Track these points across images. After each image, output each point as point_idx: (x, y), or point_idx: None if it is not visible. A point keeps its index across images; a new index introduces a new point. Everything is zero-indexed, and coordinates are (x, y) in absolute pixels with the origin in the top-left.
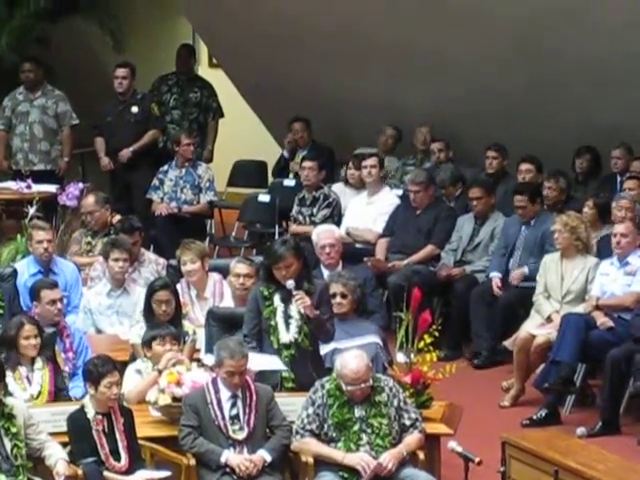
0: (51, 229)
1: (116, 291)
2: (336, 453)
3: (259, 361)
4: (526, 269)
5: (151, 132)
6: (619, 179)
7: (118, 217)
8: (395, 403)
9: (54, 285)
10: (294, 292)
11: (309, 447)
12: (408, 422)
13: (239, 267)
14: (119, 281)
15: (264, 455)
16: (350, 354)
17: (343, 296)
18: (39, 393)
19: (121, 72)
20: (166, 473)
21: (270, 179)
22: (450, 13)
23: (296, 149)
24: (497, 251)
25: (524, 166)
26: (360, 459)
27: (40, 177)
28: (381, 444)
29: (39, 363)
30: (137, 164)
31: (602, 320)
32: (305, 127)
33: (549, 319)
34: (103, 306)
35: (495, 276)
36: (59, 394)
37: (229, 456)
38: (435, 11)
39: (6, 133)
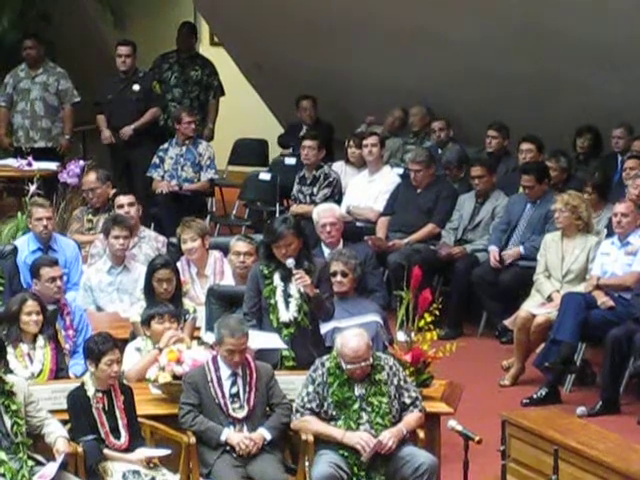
0: (51, 206)
1: (117, 268)
2: (336, 431)
3: (259, 339)
4: (521, 248)
5: (152, 110)
6: (620, 158)
7: (113, 191)
8: (395, 382)
9: (54, 263)
10: (294, 271)
11: (309, 425)
12: (408, 400)
13: (239, 245)
14: (119, 258)
15: (264, 433)
16: (350, 332)
17: (344, 275)
18: (40, 371)
19: (124, 50)
20: (166, 451)
21: (272, 157)
22: None
23: (301, 125)
24: (498, 226)
25: (525, 146)
26: (359, 438)
27: (41, 154)
28: (381, 422)
29: (41, 341)
30: (138, 142)
31: (603, 299)
32: (312, 105)
33: (549, 298)
34: (104, 283)
35: (493, 250)
36: (60, 373)
37: (229, 434)
38: None
39: (7, 110)
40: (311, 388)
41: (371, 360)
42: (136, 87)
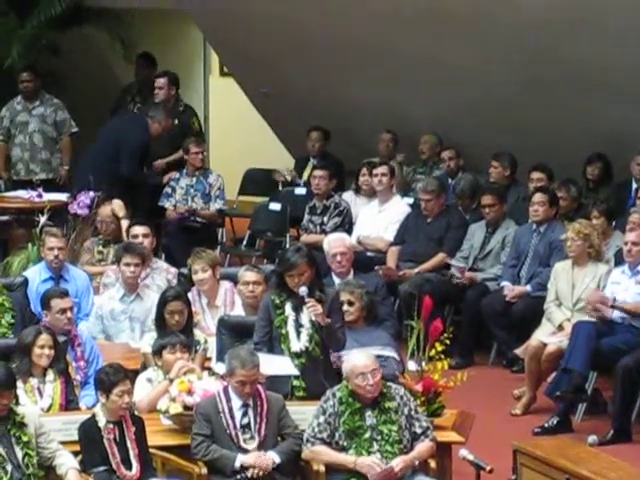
0: (63, 237)
1: (129, 296)
2: (347, 459)
3: (271, 365)
4: (528, 287)
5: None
6: (635, 186)
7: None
8: (406, 411)
9: (64, 294)
10: (306, 300)
11: (320, 455)
12: (419, 430)
13: (247, 275)
14: (131, 286)
15: (273, 456)
16: (355, 352)
17: (350, 304)
18: (50, 406)
19: (158, 82)
20: None
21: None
22: (456, 22)
23: (308, 158)
24: (508, 262)
25: (535, 175)
26: (370, 465)
27: (42, 186)
28: (391, 450)
29: (50, 375)
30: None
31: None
32: (321, 137)
33: (560, 327)
34: (116, 311)
35: (507, 286)
36: (70, 405)
37: (243, 459)
38: (440, 20)
39: (5, 144)
40: (322, 419)
41: (380, 375)
42: (175, 122)
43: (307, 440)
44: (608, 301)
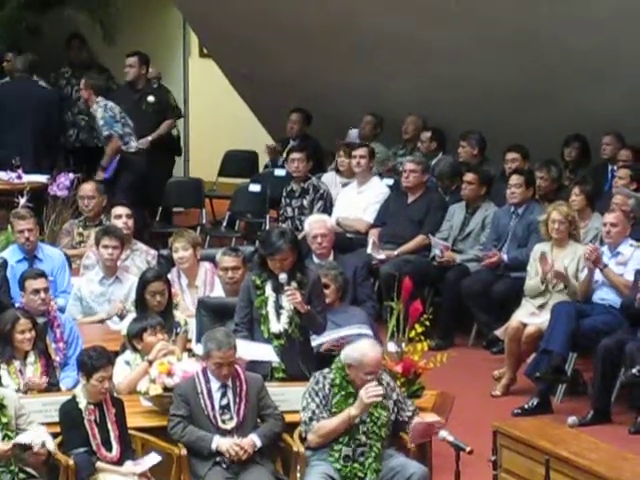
0: (32, 217)
1: (108, 279)
2: (343, 415)
3: (251, 351)
4: (504, 256)
5: (168, 122)
6: (610, 167)
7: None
8: (394, 397)
9: (39, 275)
10: (286, 287)
11: (325, 427)
12: (409, 414)
13: (226, 260)
14: (110, 269)
15: (254, 439)
16: (367, 344)
17: (325, 286)
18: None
19: (128, 61)
20: (157, 458)
21: (261, 169)
22: (441, 4)
23: (288, 140)
24: (488, 243)
25: (510, 155)
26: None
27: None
28: (378, 433)
29: (32, 357)
30: (152, 153)
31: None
32: (301, 119)
33: (540, 308)
34: (95, 294)
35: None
36: (51, 388)
37: (219, 442)
38: (427, 3)
39: None
40: (318, 400)
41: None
42: (151, 98)
43: (305, 423)
44: (602, 264)
